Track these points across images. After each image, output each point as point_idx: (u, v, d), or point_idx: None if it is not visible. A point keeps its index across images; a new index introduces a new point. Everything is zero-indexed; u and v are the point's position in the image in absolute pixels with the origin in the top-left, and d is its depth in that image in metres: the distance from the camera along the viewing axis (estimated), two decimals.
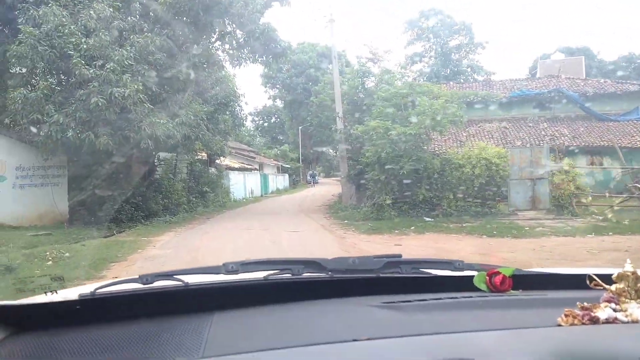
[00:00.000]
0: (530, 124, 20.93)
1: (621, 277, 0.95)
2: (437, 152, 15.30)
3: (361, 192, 15.95)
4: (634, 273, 0.94)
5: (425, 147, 13.50)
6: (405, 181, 12.70)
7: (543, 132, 19.61)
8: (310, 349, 0.79)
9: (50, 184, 14.83)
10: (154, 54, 13.06)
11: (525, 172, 12.94)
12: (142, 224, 14.62)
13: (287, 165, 46.75)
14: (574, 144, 17.93)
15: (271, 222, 14.33)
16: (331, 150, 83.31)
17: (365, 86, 18.15)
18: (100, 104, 11.69)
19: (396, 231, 11.19)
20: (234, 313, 1.11)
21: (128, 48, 12.68)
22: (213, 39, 17.10)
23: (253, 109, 71.79)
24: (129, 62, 12.47)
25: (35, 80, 12.68)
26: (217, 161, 25.74)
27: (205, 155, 23.69)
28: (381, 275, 1.27)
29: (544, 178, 12.81)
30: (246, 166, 33.20)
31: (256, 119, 71.54)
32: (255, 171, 33.70)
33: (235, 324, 1.06)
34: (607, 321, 0.88)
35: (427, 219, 12.34)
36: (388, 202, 12.89)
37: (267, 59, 18.08)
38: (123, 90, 11.84)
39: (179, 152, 18.41)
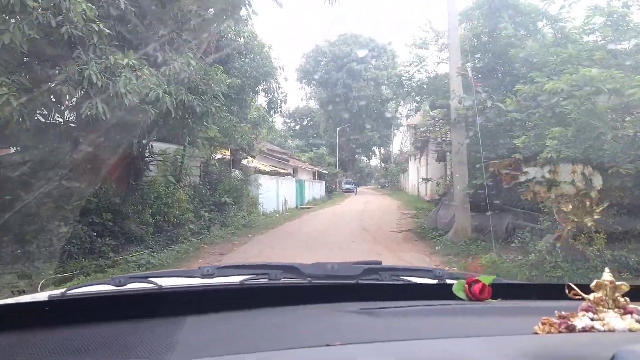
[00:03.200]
0: None
1: (599, 286, 0.94)
2: None
3: (483, 216, 9.06)
4: (611, 282, 0.93)
5: None
6: None
7: None
8: (279, 354, 0.76)
9: None
10: None
11: None
12: (107, 260, 8.25)
13: (324, 171, 40.11)
14: None
15: None
16: (364, 158, 77.20)
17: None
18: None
19: None
20: (207, 317, 1.06)
21: None
22: None
23: (286, 109, 66.18)
24: None
25: None
26: (244, 161, 19.39)
27: (229, 153, 17.43)
28: (360, 282, 1.26)
29: None
30: (279, 170, 26.80)
31: (288, 120, 65.56)
32: (290, 177, 27.15)
33: (208, 328, 1.01)
34: (584, 330, 0.87)
35: None
36: (597, 244, 6.00)
37: None
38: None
39: (183, 139, 12.05)
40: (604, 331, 0.88)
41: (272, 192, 21.83)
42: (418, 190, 30.67)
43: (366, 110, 50.95)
